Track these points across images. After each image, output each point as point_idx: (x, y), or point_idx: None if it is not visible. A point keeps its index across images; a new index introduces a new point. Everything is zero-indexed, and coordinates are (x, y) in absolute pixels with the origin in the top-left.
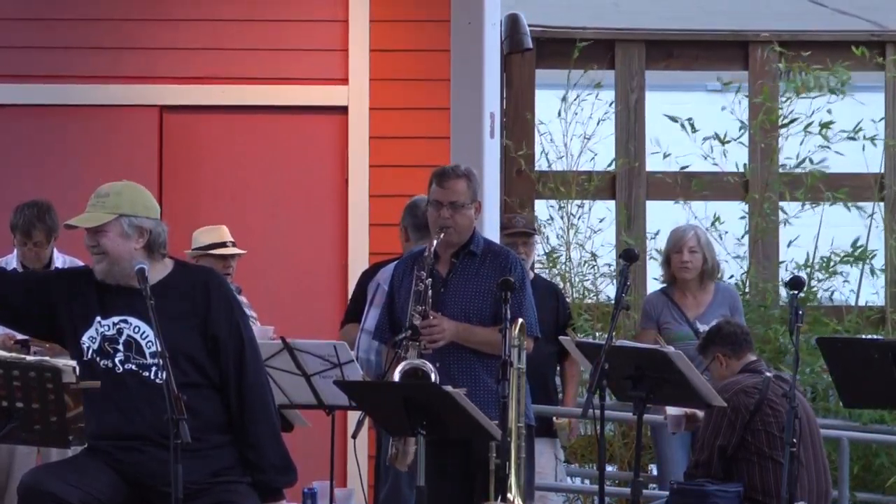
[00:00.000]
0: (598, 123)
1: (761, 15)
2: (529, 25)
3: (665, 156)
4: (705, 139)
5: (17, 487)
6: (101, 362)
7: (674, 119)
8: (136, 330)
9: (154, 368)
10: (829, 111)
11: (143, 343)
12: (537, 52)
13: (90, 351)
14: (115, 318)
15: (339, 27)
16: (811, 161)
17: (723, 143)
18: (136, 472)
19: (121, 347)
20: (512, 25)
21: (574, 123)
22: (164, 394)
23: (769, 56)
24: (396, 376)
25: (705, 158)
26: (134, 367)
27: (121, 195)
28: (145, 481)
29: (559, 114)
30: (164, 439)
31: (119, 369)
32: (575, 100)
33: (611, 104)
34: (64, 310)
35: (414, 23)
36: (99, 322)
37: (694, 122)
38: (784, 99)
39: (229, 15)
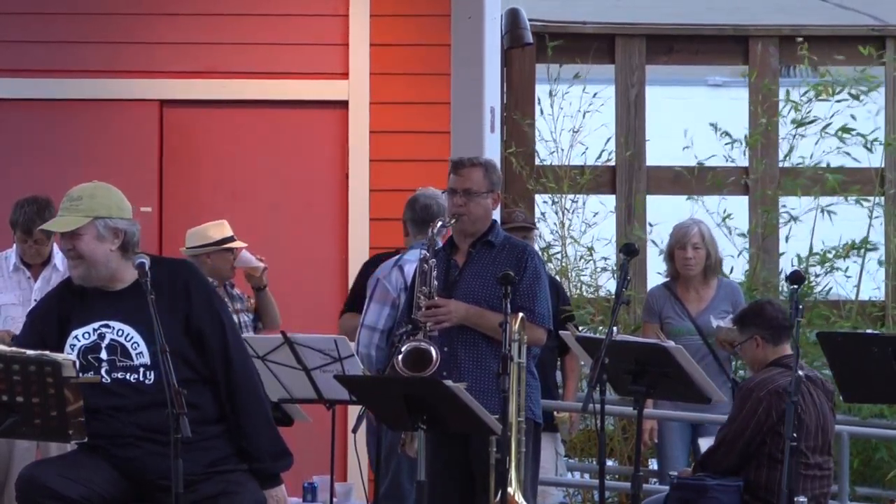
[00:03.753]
0: (583, 116)
1: (762, 10)
2: (530, 20)
3: (685, 148)
4: (727, 143)
5: (14, 482)
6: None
7: (713, 125)
8: (120, 333)
9: (143, 370)
10: (852, 116)
11: (128, 346)
12: (537, 46)
13: None
14: (96, 324)
15: (339, 21)
16: (829, 165)
17: (749, 145)
18: (134, 467)
19: (104, 355)
20: (512, 20)
21: (562, 117)
22: (155, 395)
23: (769, 50)
24: (399, 360)
25: (726, 160)
26: (120, 374)
27: (94, 197)
28: (144, 476)
29: (541, 112)
30: (158, 435)
31: (107, 380)
32: (562, 94)
33: (595, 95)
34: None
35: (414, 17)
36: (75, 337)
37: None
38: (805, 100)
39: (229, 9)
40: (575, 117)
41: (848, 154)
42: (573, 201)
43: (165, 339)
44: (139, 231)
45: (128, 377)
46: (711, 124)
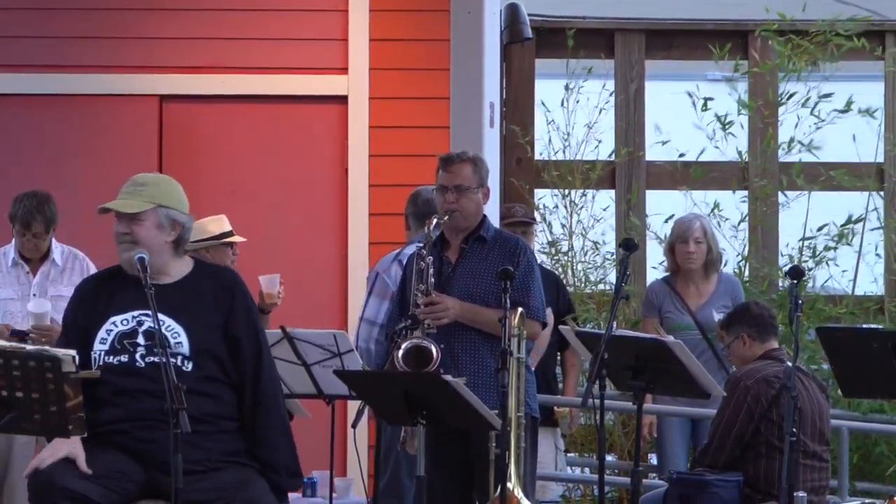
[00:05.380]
0: (599, 112)
1: (761, 4)
2: (529, 15)
3: (664, 142)
4: (708, 123)
5: (27, 483)
6: (115, 360)
7: (689, 94)
8: (161, 322)
9: (181, 358)
10: (827, 94)
11: (167, 334)
12: (537, 41)
13: (101, 355)
14: (135, 312)
15: (339, 17)
16: (803, 144)
17: (724, 125)
18: (154, 449)
19: (141, 340)
20: (511, 15)
21: (577, 112)
22: (192, 383)
23: (768, 45)
24: (399, 356)
25: (710, 139)
26: (156, 359)
27: (158, 186)
28: (163, 458)
29: (562, 103)
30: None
31: (139, 364)
32: (574, 88)
33: (611, 94)
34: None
35: (414, 12)
36: (113, 322)
37: (698, 106)
38: (782, 77)
39: (229, 4)
40: (592, 112)
41: (820, 125)
42: (582, 195)
43: (205, 339)
44: (190, 230)
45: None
46: (688, 94)
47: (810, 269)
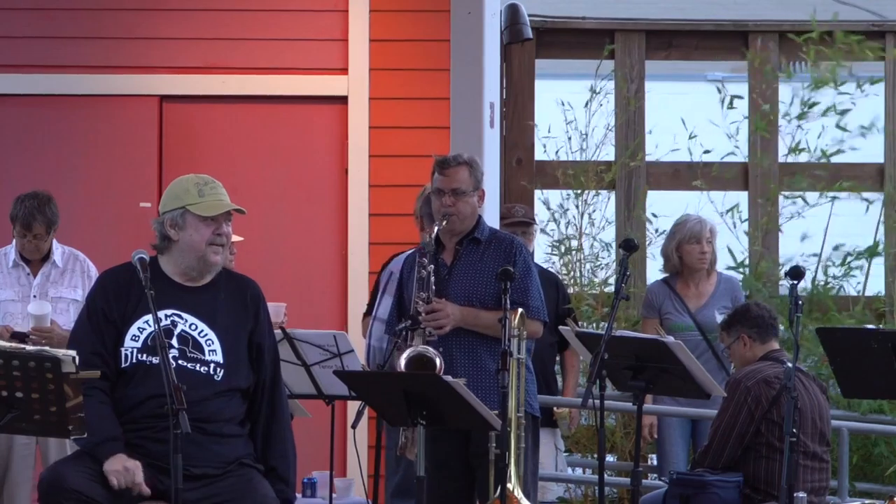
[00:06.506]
0: (615, 116)
1: (761, 4)
2: (529, 15)
3: (674, 150)
4: (733, 122)
5: (37, 484)
6: (148, 360)
7: (719, 90)
8: (193, 327)
9: (213, 365)
10: (853, 103)
11: (202, 341)
12: (537, 41)
13: (133, 353)
14: (168, 311)
15: (339, 17)
16: (824, 153)
17: (758, 127)
18: (168, 450)
19: (175, 343)
20: (512, 15)
21: (581, 111)
22: (220, 391)
23: (769, 46)
24: (402, 363)
25: (730, 137)
26: (190, 365)
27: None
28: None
29: (586, 104)
30: (205, 424)
31: (171, 365)
32: (598, 90)
33: (597, 92)
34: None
35: (414, 13)
36: (146, 321)
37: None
38: (805, 86)
39: (229, 4)
40: (609, 115)
41: (843, 141)
42: (596, 195)
43: (236, 348)
44: None
45: (198, 368)
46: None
47: (836, 278)
